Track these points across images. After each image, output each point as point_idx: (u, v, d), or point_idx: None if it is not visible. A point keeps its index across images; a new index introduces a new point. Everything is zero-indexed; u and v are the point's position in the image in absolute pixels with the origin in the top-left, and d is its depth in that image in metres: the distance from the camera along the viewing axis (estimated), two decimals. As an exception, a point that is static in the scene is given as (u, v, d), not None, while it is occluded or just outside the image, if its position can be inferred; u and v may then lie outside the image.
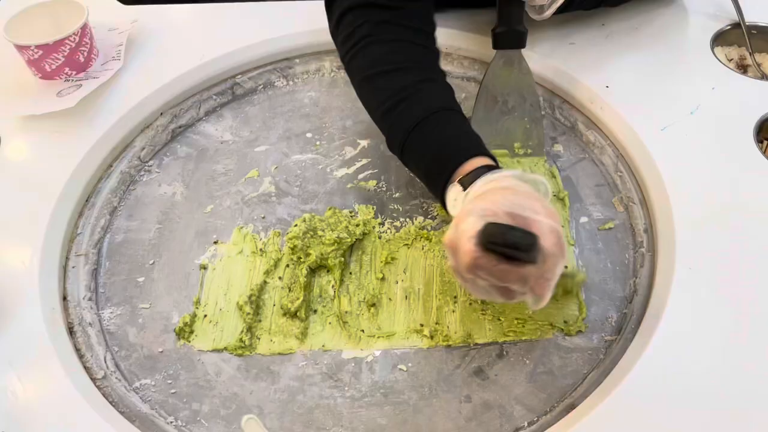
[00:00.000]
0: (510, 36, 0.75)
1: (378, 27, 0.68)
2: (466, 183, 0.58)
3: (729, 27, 0.89)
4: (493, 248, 0.48)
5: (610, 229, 0.72)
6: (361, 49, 0.69)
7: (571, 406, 0.58)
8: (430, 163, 0.65)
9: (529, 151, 0.80)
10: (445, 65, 0.91)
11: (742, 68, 0.87)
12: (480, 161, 0.60)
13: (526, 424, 0.58)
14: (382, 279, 0.69)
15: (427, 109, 0.65)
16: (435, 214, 0.75)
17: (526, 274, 0.50)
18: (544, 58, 0.86)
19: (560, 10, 0.80)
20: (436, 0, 0.73)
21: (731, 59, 0.88)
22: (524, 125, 0.80)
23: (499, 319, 0.65)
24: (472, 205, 0.53)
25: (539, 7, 0.73)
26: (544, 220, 0.51)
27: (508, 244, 0.48)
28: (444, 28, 0.91)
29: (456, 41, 0.91)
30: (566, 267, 0.65)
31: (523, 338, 0.64)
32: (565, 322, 0.65)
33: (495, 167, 0.60)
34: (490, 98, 0.80)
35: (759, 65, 0.86)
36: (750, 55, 0.87)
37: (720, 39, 0.89)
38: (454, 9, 0.92)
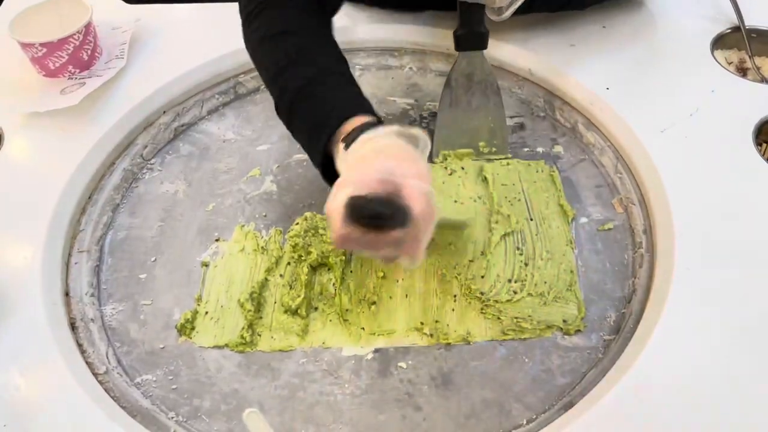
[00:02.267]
0: (471, 37, 0.76)
1: None
2: (348, 141, 0.58)
3: (729, 30, 0.90)
4: (357, 221, 0.50)
5: (609, 229, 0.73)
6: (258, 14, 0.70)
7: (570, 405, 0.58)
8: (312, 124, 0.64)
9: (494, 149, 0.81)
10: (446, 66, 0.92)
11: (742, 71, 0.87)
12: (360, 119, 0.60)
13: (524, 422, 0.59)
14: (383, 277, 0.69)
15: (314, 72, 0.65)
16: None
17: (395, 239, 0.52)
18: (545, 59, 0.86)
19: (522, 12, 0.79)
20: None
21: (731, 62, 0.89)
22: (488, 125, 0.81)
23: (499, 318, 0.66)
24: (347, 174, 0.55)
25: (498, 8, 0.74)
26: (414, 183, 0.52)
27: (370, 216, 0.50)
28: (444, 30, 0.92)
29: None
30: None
31: (522, 337, 0.64)
32: (564, 321, 0.65)
33: (375, 123, 0.60)
34: (454, 99, 0.81)
35: (758, 68, 0.87)
36: (750, 58, 0.87)
37: (720, 42, 0.89)
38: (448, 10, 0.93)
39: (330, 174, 0.62)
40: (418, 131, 0.59)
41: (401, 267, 0.69)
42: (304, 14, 0.69)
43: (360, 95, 0.65)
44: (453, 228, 0.71)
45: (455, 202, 0.75)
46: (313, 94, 0.64)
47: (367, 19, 0.94)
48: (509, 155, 0.81)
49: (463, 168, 0.79)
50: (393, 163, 0.54)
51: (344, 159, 0.59)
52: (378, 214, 0.50)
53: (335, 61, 0.68)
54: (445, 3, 0.81)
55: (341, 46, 0.93)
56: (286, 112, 0.67)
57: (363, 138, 0.58)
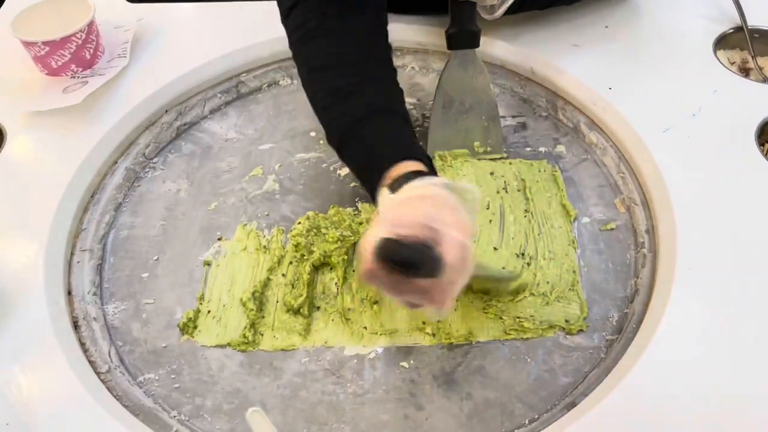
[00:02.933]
0: (463, 36, 0.76)
1: (327, 19, 0.66)
2: (394, 188, 0.57)
3: (731, 30, 0.89)
4: (386, 263, 0.50)
5: (611, 229, 0.73)
6: (309, 40, 0.68)
7: (572, 405, 0.58)
8: (363, 164, 0.64)
9: (489, 149, 0.81)
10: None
11: (745, 71, 0.87)
12: (411, 165, 0.59)
13: (527, 421, 0.59)
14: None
15: (367, 109, 0.64)
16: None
17: (422, 287, 0.51)
18: (547, 59, 0.86)
19: (512, 11, 0.81)
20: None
21: (733, 62, 0.89)
22: (482, 124, 0.81)
23: (501, 318, 0.66)
24: (387, 213, 0.54)
25: (490, 6, 0.74)
26: (452, 234, 0.51)
27: (399, 261, 0.49)
28: (444, 29, 0.92)
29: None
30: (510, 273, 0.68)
31: (525, 337, 0.64)
32: (567, 321, 0.65)
33: (426, 173, 0.59)
34: (447, 99, 0.81)
35: (761, 69, 0.86)
36: (752, 58, 0.87)
37: (722, 42, 0.89)
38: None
39: None
40: (469, 186, 0.58)
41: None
42: (360, 42, 0.67)
43: (410, 138, 0.64)
44: (496, 281, 0.67)
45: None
46: (364, 133, 0.64)
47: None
48: (504, 154, 0.81)
49: (451, 165, 0.80)
50: (434, 210, 0.53)
51: (387, 201, 0.58)
52: (407, 261, 0.49)
53: (390, 95, 0.67)
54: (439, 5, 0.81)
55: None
56: (337, 146, 0.67)
57: (412, 185, 0.56)
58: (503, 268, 0.69)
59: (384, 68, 0.68)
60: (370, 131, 0.64)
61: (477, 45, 0.77)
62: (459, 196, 0.56)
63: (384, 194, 0.58)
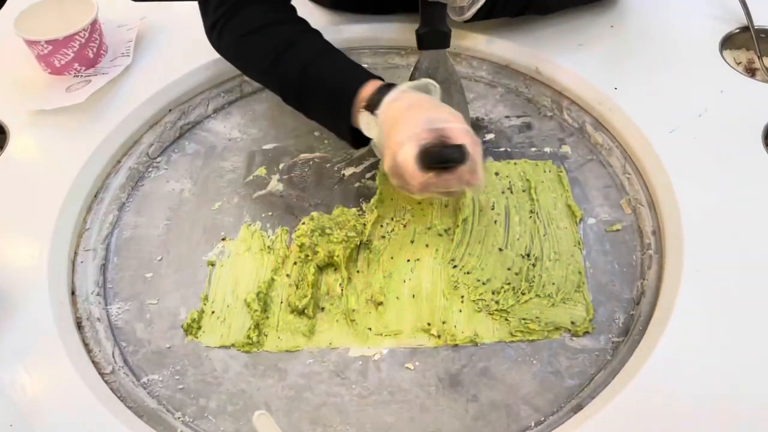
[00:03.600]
0: (433, 36, 0.76)
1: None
2: (370, 107, 0.65)
3: (738, 30, 0.89)
4: (435, 167, 0.60)
5: (617, 230, 0.72)
6: (237, 11, 0.74)
7: (578, 407, 0.58)
8: (327, 99, 0.70)
9: None
10: (453, 64, 0.92)
11: (751, 72, 0.87)
12: (374, 84, 0.67)
13: (533, 424, 0.58)
14: (390, 277, 0.69)
15: (312, 53, 0.71)
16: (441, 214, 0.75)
17: (461, 175, 0.61)
18: (553, 59, 0.86)
19: (483, 17, 0.83)
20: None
21: (740, 63, 0.88)
22: None
23: (507, 320, 0.65)
24: (395, 132, 0.62)
25: (459, 8, 0.73)
26: (456, 125, 0.61)
27: (446, 160, 0.60)
28: (453, 29, 0.91)
29: (463, 41, 0.91)
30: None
31: (530, 338, 0.64)
32: (572, 322, 0.65)
33: (390, 85, 0.66)
34: None
35: (767, 69, 0.86)
36: (758, 58, 0.87)
37: (729, 42, 0.89)
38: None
39: (359, 140, 0.70)
40: (427, 81, 0.67)
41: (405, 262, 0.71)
42: (284, 9, 0.76)
43: (358, 65, 0.71)
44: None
45: None
46: (318, 73, 0.70)
47: (373, 18, 0.93)
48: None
49: None
50: (428, 114, 0.62)
51: (375, 122, 0.65)
52: (452, 158, 0.59)
53: (317, 41, 0.74)
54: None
55: (348, 44, 0.94)
56: (295, 95, 0.73)
57: (387, 100, 0.64)
58: (508, 269, 0.69)
59: (308, 25, 0.76)
60: (323, 69, 0.70)
61: (447, 45, 0.77)
62: (425, 92, 0.66)
63: (365, 116, 0.66)
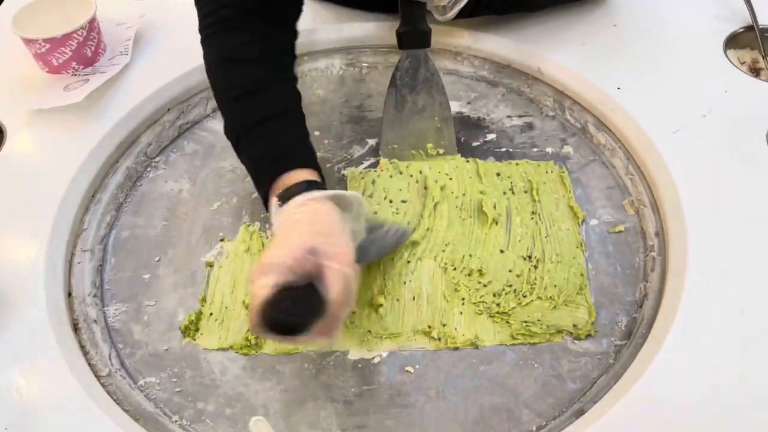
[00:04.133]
0: (414, 36, 0.75)
1: (242, 14, 0.68)
2: (283, 198, 0.60)
3: (742, 30, 0.88)
4: (272, 330, 0.52)
5: (620, 232, 0.72)
6: (221, 31, 0.69)
7: (581, 412, 0.57)
8: (256, 167, 0.66)
9: (442, 151, 0.80)
10: (455, 65, 0.91)
11: (755, 71, 0.86)
12: (301, 175, 0.62)
13: (534, 428, 0.58)
14: (390, 279, 0.68)
15: (267, 110, 0.66)
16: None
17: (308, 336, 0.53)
18: (555, 59, 0.85)
19: (467, 15, 0.82)
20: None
21: (744, 62, 0.87)
22: (435, 125, 0.80)
23: (508, 322, 0.65)
24: (273, 250, 0.54)
25: (442, 7, 0.73)
26: (334, 266, 0.53)
27: (284, 330, 0.51)
28: (453, 28, 0.91)
29: (465, 41, 0.91)
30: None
31: (532, 341, 0.63)
32: (575, 325, 0.64)
33: (315, 182, 0.62)
34: (399, 98, 0.80)
35: (772, 69, 0.85)
36: (763, 58, 0.86)
37: (733, 42, 0.88)
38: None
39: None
40: (353, 195, 0.61)
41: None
42: (270, 42, 0.69)
43: (303, 141, 0.66)
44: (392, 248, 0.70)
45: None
46: (261, 135, 0.65)
47: (374, 17, 0.93)
48: (457, 155, 0.80)
49: (457, 166, 0.78)
50: (319, 240, 0.54)
51: (277, 214, 0.61)
52: (289, 330, 0.51)
53: (285, 98, 0.68)
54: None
55: (348, 43, 0.93)
56: (234, 142, 0.68)
57: (298, 201, 0.59)
58: (509, 271, 0.68)
59: (289, 71, 0.71)
60: (266, 135, 0.65)
61: (428, 45, 0.76)
62: (343, 205, 0.59)
63: (274, 205, 0.61)
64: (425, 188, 0.76)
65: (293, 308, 0.51)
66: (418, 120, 0.80)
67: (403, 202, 0.75)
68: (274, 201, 0.62)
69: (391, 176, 0.77)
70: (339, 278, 0.53)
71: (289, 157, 0.64)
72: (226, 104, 0.69)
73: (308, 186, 0.60)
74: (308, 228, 0.56)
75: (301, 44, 0.92)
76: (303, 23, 0.92)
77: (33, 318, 0.63)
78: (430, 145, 0.80)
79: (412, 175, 0.77)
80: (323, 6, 0.95)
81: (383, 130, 0.81)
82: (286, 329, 0.51)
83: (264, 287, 0.52)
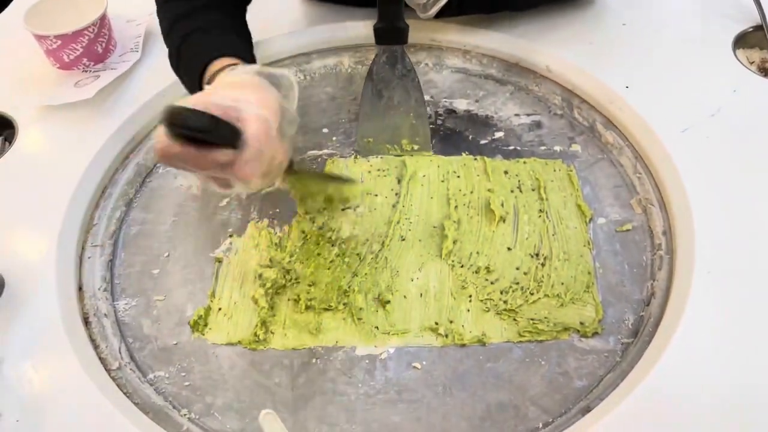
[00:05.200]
0: (390, 32, 0.76)
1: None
2: (211, 81, 0.60)
3: (751, 29, 0.88)
4: (177, 131, 0.47)
5: (628, 230, 0.72)
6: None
7: (587, 409, 0.57)
8: (188, 68, 0.67)
9: (416, 147, 0.80)
10: (463, 63, 0.91)
11: (764, 71, 0.86)
12: (228, 61, 0.62)
13: (540, 425, 0.58)
14: (397, 276, 0.69)
15: (198, 24, 0.69)
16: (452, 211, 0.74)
17: (222, 160, 0.49)
18: (564, 57, 0.85)
19: (455, 13, 0.84)
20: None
21: (753, 62, 0.87)
22: (410, 121, 0.80)
23: (515, 320, 0.65)
24: (189, 97, 0.52)
25: (422, 5, 0.73)
26: (252, 109, 0.51)
27: (189, 126, 0.47)
28: (462, 26, 0.91)
29: (473, 38, 0.91)
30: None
31: (539, 339, 0.63)
32: (582, 323, 0.64)
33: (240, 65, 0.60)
34: (375, 92, 0.80)
35: (781, 68, 0.85)
36: (772, 57, 0.86)
37: (742, 41, 0.88)
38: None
39: None
40: (283, 71, 0.59)
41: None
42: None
43: (242, 42, 0.68)
44: (336, 181, 0.72)
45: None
46: (193, 42, 0.68)
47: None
48: (431, 152, 0.80)
49: (465, 164, 0.79)
50: (237, 92, 0.52)
51: None
52: (197, 126, 0.47)
53: (224, 17, 0.71)
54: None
55: (353, 41, 0.94)
56: (175, 60, 0.71)
57: (221, 75, 0.58)
58: (517, 268, 0.68)
59: (232, 10, 0.73)
60: (203, 39, 0.67)
61: (404, 41, 0.77)
62: (273, 82, 0.57)
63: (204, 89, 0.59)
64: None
65: (205, 117, 0.48)
66: (393, 115, 0.80)
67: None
68: (205, 87, 0.60)
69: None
70: (257, 118, 0.51)
71: (217, 48, 0.64)
72: (166, 34, 0.72)
73: (236, 66, 0.60)
74: (228, 86, 0.55)
75: (310, 43, 0.93)
76: (314, 22, 0.93)
77: (44, 311, 0.63)
78: (405, 141, 0.80)
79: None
80: (330, 6, 0.95)
81: (359, 124, 0.81)
82: (194, 128, 0.47)
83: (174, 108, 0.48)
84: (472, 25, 0.90)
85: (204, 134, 0.47)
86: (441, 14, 0.75)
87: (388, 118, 0.80)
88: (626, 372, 0.59)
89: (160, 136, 0.48)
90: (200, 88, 0.62)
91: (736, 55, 0.84)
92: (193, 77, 0.65)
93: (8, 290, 0.64)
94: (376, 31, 0.76)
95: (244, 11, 0.77)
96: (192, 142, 0.48)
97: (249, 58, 0.66)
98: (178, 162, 0.49)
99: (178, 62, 0.71)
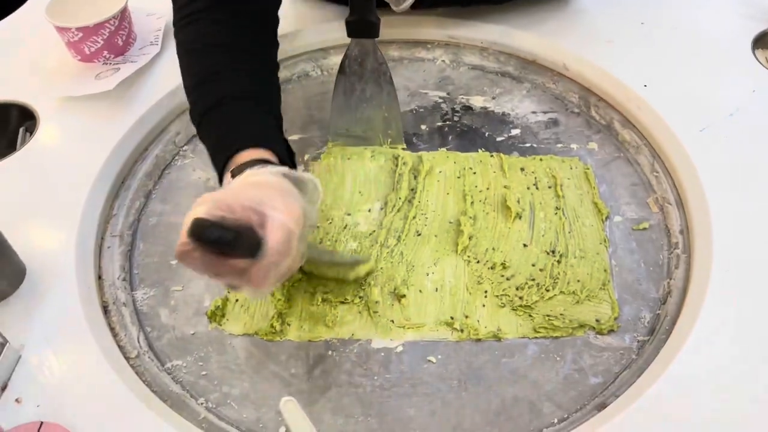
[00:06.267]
0: (361, 25, 0.75)
1: (213, 4, 0.68)
2: (235, 175, 0.58)
3: (771, 29, 0.88)
4: (199, 242, 0.49)
5: (644, 229, 0.72)
6: (192, 23, 0.69)
7: (602, 406, 0.58)
8: (213, 150, 0.64)
9: (389, 140, 0.81)
10: (480, 60, 0.92)
11: (784, 71, 0.85)
12: (258, 153, 0.60)
13: (555, 420, 0.58)
14: (413, 270, 0.69)
15: (224, 94, 0.65)
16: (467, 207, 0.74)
17: (240, 268, 0.51)
18: (581, 55, 0.85)
19: (430, 5, 0.85)
20: None
21: (772, 62, 0.87)
22: (382, 114, 0.81)
23: (530, 316, 0.65)
24: (215, 194, 0.53)
25: None
26: (276, 216, 0.51)
27: (210, 240, 0.48)
28: (479, 23, 0.91)
29: (491, 35, 0.91)
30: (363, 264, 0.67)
31: (554, 335, 0.64)
32: (597, 320, 0.64)
33: (271, 162, 0.59)
34: (347, 86, 0.80)
35: (801, 69, 0.84)
36: (792, 58, 0.85)
37: (761, 41, 0.87)
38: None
39: None
40: (309, 176, 0.59)
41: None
42: (232, 24, 0.68)
43: (266, 126, 0.65)
44: (336, 266, 0.68)
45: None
46: (217, 118, 0.64)
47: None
48: (403, 145, 0.81)
49: (481, 161, 0.79)
50: (263, 194, 0.52)
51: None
52: (219, 239, 0.48)
53: (245, 82, 0.67)
54: None
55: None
56: (196, 126, 0.68)
57: (250, 171, 0.57)
58: (533, 265, 0.68)
59: (254, 54, 0.69)
60: (225, 116, 0.64)
61: (375, 35, 0.77)
62: (298, 186, 0.57)
63: (227, 181, 0.59)
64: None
65: (229, 227, 0.49)
66: (365, 108, 0.81)
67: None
68: (227, 178, 0.60)
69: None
70: (280, 227, 0.51)
71: (243, 137, 0.62)
72: (189, 92, 0.69)
73: (262, 163, 0.58)
74: (255, 186, 0.54)
75: (325, 40, 0.93)
76: (331, 17, 0.94)
77: (64, 299, 0.64)
78: (378, 134, 0.81)
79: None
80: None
81: (331, 116, 0.82)
82: (216, 241, 0.48)
83: (199, 210, 0.50)
84: (490, 21, 0.91)
85: (225, 247, 0.49)
86: (416, 6, 0.76)
87: (360, 111, 0.80)
88: (642, 369, 0.59)
89: (183, 238, 0.49)
90: (222, 171, 0.61)
91: (755, 55, 0.84)
92: (218, 159, 0.63)
93: (29, 278, 0.65)
94: (348, 24, 0.76)
95: (275, 55, 0.74)
96: (212, 250, 0.49)
97: (279, 142, 0.64)
98: (194, 263, 0.51)
99: (199, 127, 0.67)
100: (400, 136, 0.81)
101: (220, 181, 0.62)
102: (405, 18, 0.93)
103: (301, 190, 0.57)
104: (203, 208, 0.50)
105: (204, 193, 0.54)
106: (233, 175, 0.58)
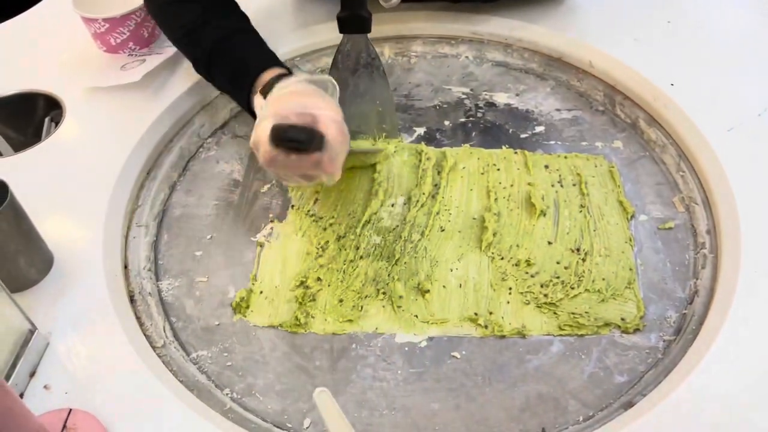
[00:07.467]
0: (353, 21, 0.76)
1: None
2: (265, 92, 0.68)
3: (800, 29, 0.87)
4: (281, 144, 0.60)
5: (670, 228, 0.71)
6: None
7: (629, 404, 0.57)
8: (233, 78, 0.73)
9: (384, 134, 0.81)
10: (504, 57, 0.91)
11: (812, 72, 0.85)
12: (274, 71, 0.69)
13: (581, 418, 0.58)
14: (437, 266, 0.69)
15: (226, 30, 0.74)
16: (491, 204, 0.74)
17: (316, 160, 0.61)
18: (607, 53, 0.85)
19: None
20: None
21: (801, 62, 0.86)
22: (377, 108, 0.80)
23: (555, 313, 0.65)
24: (267, 110, 0.64)
25: None
26: (326, 113, 0.62)
27: (291, 139, 0.60)
28: (504, 19, 0.91)
29: (515, 32, 0.91)
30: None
31: (579, 333, 0.63)
32: (623, 319, 0.64)
33: (288, 75, 0.69)
34: (341, 82, 0.79)
35: (830, 70, 0.84)
36: (821, 58, 0.84)
37: (790, 41, 0.86)
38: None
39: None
40: (327, 77, 0.69)
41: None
42: None
43: (269, 50, 0.74)
44: (366, 154, 0.79)
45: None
46: (228, 51, 0.73)
47: (424, 6, 0.93)
48: (399, 139, 0.81)
49: (505, 158, 0.79)
50: (306, 99, 0.63)
51: (263, 105, 0.67)
52: (298, 139, 0.60)
53: (241, 20, 0.77)
54: None
55: (398, 32, 0.94)
56: (206, 68, 0.76)
57: (279, 85, 0.67)
58: (557, 262, 0.68)
59: (233, 7, 0.77)
60: (234, 49, 0.73)
61: (367, 30, 0.77)
62: (320, 87, 0.67)
63: (259, 100, 0.69)
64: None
65: (301, 129, 0.60)
66: (360, 103, 0.80)
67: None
68: (257, 98, 0.69)
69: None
70: (332, 122, 0.62)
71: (260, 61, 0.71)
72: (182, 40, 0.77)
73: (284, 76, 0.68)
74: (292, 95, 0.64)
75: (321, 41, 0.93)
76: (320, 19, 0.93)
77: (91, 288, 0.64)
78: (373, 129, 0.81)
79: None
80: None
81: None
82: (299, 140, 0.60)
83: (267, 124, 0.60)
84: (514, 18, 0.90)
85: (301, 144, 0.60)
86: (406, 0, 0.76)
87: (354, 106, 0.80)
88: (669, 369, 0.59)
89: (266, 146, 0.61)
90: (249, 95, 0.70)
91: (783, 55, 0.83)
92: (241, 88, 0.71)
93: (57, 266, 0.66)
94: (339, 20, 0.76)
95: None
96: (291, 151, 0.61)
97: (279, 60, 0.73)
98: (281, 166, 0.63)
99: (211, 72, 0.76)
100: (396, 130, 0.81)
101: (245, 102, 0.72)
102: (430, 13, 0.93)
103: (324, 91, 0.67)
104: (268, 122, 0.61)
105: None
106: (264, 94, 0.68)
